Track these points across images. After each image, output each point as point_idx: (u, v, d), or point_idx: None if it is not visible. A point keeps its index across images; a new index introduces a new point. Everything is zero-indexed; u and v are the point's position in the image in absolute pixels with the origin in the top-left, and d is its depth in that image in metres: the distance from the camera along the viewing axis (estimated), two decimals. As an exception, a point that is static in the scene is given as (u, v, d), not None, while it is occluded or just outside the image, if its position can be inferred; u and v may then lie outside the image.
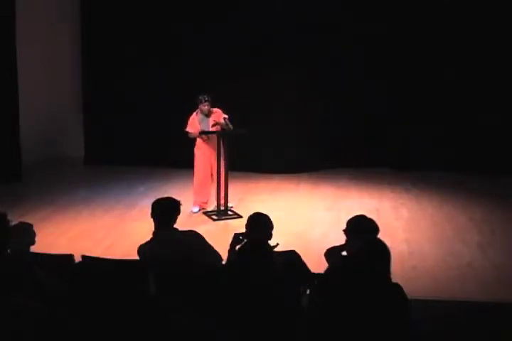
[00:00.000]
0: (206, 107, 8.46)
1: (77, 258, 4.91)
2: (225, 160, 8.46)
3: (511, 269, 6.71)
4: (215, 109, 8.57)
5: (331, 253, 4.82)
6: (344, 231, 4.74)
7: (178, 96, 10.75)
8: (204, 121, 8.54)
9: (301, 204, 9.20)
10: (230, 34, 10.83)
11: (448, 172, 10.72)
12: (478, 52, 10.60)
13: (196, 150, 8.69)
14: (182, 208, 5.16)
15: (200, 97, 8.47)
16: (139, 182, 10.29)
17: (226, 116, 8.48)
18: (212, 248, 5.07)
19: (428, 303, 5.60)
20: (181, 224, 5.16)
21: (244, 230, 4.92)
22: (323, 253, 4.94)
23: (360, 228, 4.62)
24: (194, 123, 8.57)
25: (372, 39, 10.83)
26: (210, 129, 8.48)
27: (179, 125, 8.74)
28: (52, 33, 11.63)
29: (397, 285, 3.91)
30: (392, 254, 3.96)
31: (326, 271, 4.56)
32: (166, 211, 5.05)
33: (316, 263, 4.81)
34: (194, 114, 8.60)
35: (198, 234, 5.13)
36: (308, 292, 4.51)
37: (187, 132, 8.59)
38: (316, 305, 4.12)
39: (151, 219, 5.06)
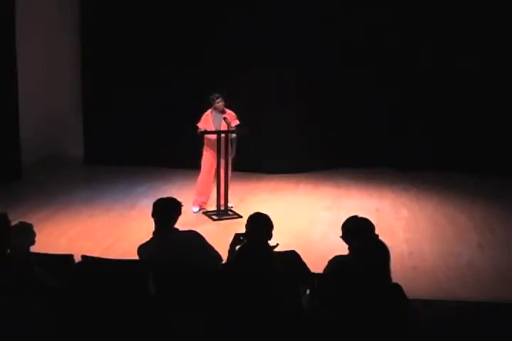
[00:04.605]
0: (221, 103, 8.46)
1: (77, 258, 4.90)
2: (225, 159, 8.46)
3: (511, 269, 6.72)
4: (228, 111, 8.56)
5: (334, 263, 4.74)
6: (342, 237, 4.70)
7: (179, 97, 10.75)
8: (217, 119, 8.53)
9: (301, 204, 9.20)
10: (230, 34, 10.82)
11: (448, 172, 10.72)
12: (481, 54, 10.57)
13: (205, 151, 8.69)
14: (183, 209, 5.16)
15: (212, 96, 8.49)
16: (139, 182, 10.28)
17: (226, 116, 8.50)
18: (212, 248, 5.07)
19: (428, 303, 5.60)
20: (181, 224, 5.16)
21: (244, 230, 4.92)
22: (323, 253, 4.93)
23: (359, 229, 4.60)
24: (207, 121, 8.54)
25: (373, 37, 10.84)
26: (222, 129, 8.45)
27: (179, 125, 8.74)
28: (52, 33, 11.63)
29: (397, 285, 3.91)
30: (392, 254, 3.96)
31: (325, 271, 4.56)
32: (166, 211, 5.05)
33: (316, 263, 4.80)
34: (208, 111, 8.59)
35: (198, 234, 5.13)
36: (308, 292, 4.51)
37: (197, 127, 8.57)
38: (316, 305, 4.12)
39: (151, 219, 5.07)
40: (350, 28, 10.82)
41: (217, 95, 8.49)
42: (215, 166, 8.61)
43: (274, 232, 4.85)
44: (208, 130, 8.46)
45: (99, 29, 11.42)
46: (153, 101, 11.23)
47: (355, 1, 10.87)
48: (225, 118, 8.45)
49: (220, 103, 8.47)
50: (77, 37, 11.72)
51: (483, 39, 10.55)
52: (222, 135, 8.36)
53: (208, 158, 8.66)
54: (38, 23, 11.24)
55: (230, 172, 8.56)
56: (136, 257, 5.00)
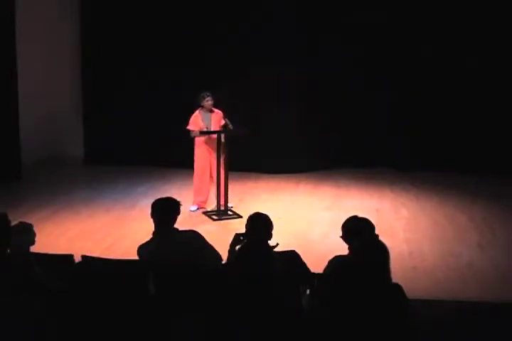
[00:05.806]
0: (210, 102, 8.49)
1: (77, 258, 4.90)
2: (224, 159, 8.46)
3: (511, 269, 6.72)
4: (216, 110, 8.59)
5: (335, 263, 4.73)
6: (342, 237, 4.70)
7: (178, 96, 10.74)
8: (207, 118, 8.54)
9: (301, 204, 9.19)
10: (230, 34, 10.82)
11: (448, 172, 10.71)
12: (481, 54, 10.56)
13: (196, 149, 8.69)
14: (182, 208, 5.16)
15: (202, 94, 8.53)
16: (139, 182, 10.28)
17: (223, 116, 8.53)
18: (213, 248, 5.07)
19: (428, 303, 5.60)
20: (181, 224, 5.16)
21: (244, 230, 4.92)
22: (323, 253, 4.93)
23: (358, 229, 4.60)
24: (197, 121, 8.56)
25: (372, 37, 10.83)
26: (212, 129, 8.47)
27: (179, 125, 8.74)
28: (52, 33, 11.62)
29: (397, 285, 3.91)
30: (392, 254, 3.96)
31: (325, 271, 4.56)
32: (165, 211, 5.05)
33: (316, 263, 4.80)
34: (196, 112, 8.61)
35: (198, 234, 5.12)
36: (308, 292, 4.51)
37: (188, 130, 8.60)
38: (316, 305, 4.13)
39: (151, 219, 5.06)
40: (350, 27, 10.81)
41: (208, 94, 8.52)
42: (208, 165, 8.61)
43: (274, 232, 4.85)
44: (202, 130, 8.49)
45: (99, 29, 11.41)
46: (153, 101, 11.23)
47: (355, 1, 10.87)
48: (224, 118, 8.48)
49: (209, 102, 8.49)
50: (77, 37, 11.72)
51: (483, 39, 10.54)
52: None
53: (200, 157, 8.64)
54: (38, 23, 11.24)
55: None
56: (136, 257, 5.00)
